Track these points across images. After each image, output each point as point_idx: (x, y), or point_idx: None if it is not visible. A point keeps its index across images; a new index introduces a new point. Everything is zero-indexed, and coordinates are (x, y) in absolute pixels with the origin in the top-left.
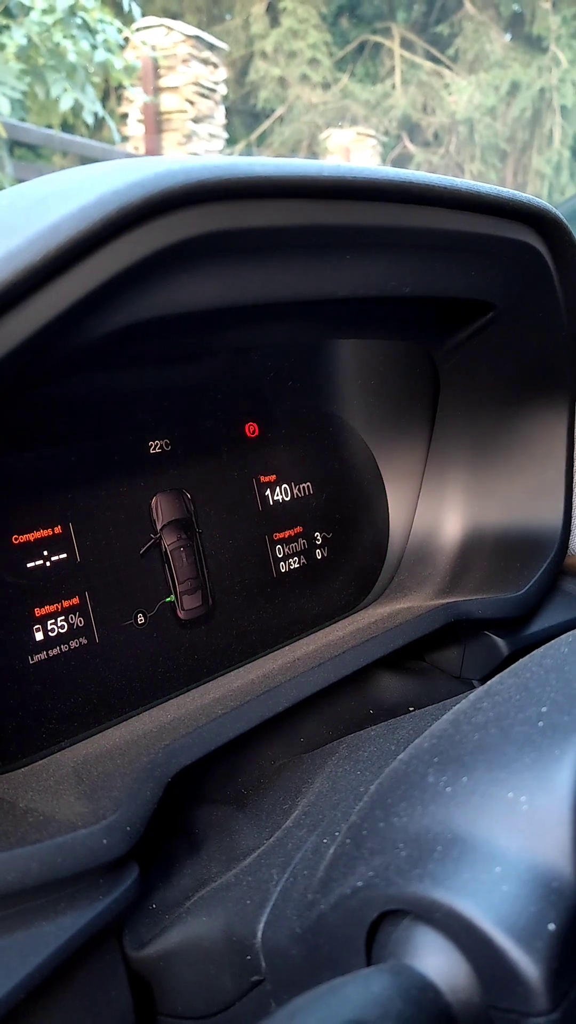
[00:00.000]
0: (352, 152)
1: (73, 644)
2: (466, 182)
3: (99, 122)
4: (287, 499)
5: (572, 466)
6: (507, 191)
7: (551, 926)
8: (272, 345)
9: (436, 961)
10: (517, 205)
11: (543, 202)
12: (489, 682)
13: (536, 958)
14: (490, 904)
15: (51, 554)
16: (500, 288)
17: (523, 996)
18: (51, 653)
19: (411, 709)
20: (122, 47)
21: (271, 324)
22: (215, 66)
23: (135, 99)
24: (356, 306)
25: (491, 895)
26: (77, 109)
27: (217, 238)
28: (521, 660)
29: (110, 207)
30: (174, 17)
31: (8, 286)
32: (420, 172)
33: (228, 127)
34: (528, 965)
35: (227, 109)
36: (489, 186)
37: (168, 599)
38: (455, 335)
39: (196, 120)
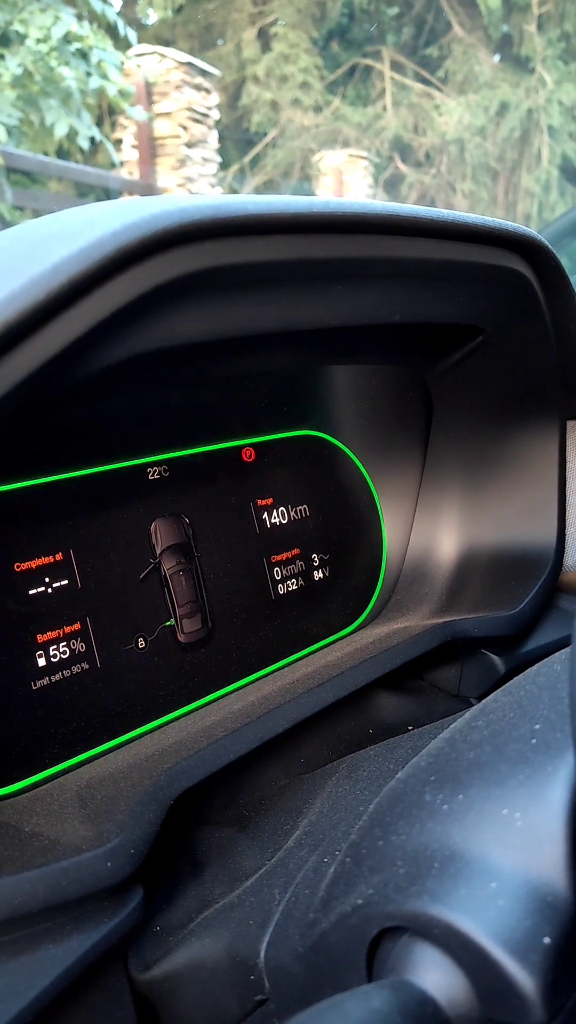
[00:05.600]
0: (344, 174)
1: (75, 669)
2: (452, 213)
3: (94, 148)
4: (284, 522)
5: (564, 484)
6: (492, 220)
7: (546, 939)
8: (267, 372)
9: (435, 976)
10: (503, 233)
11: (528, 229)
12: (484, 700)
13: (532, 971)
14: (486, 919)
15: (52, 581)
16: (489, 313)
17: (520, 1009)
18: (53, 678)
19: (410, 728)
20: (119, 68)
21: (265, 353)
22: (207, 91)
23: (129, 125)
24: (348, 334)
25: (487, 910)
26: (72, 135)
27: (211, 274)
28: (515, 678)
29: (108, 248)
30: (166, 44)
31: (12, 325)
32: (407, 204)
33: (221, 151)
34: (524, 978)
35: (220, 133)
36: (475, 216)
37: (168, 623)
38: (446, 358)
39: (189, 145)
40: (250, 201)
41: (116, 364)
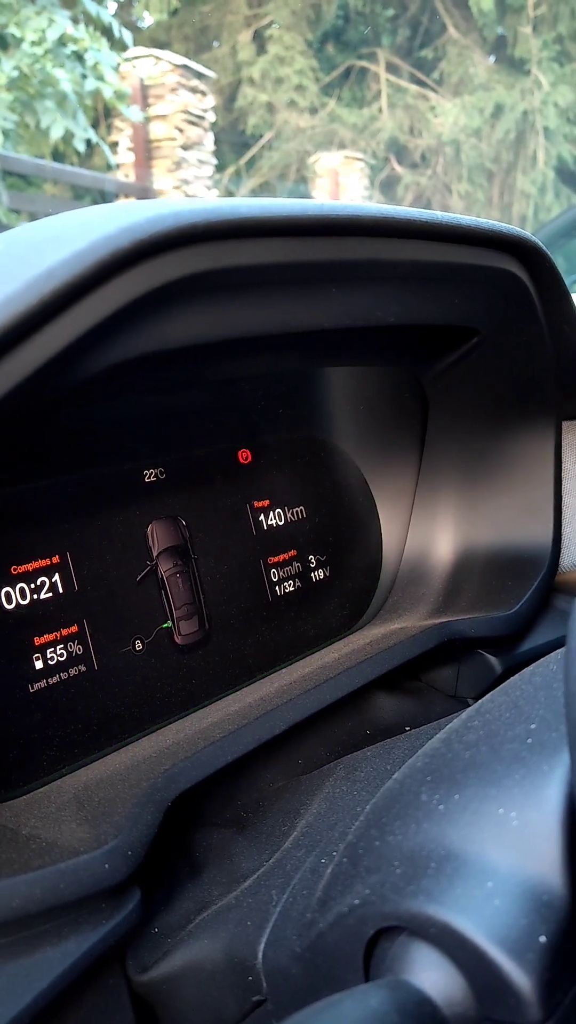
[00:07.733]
0: (340, 175)
1: (72, 672)
2: (446, 214)
3: (90, 150)
4: (281, 523)
5: (560, 485)
6: (486, 222)
7: (542, 938)
8: (263, 374)
9: (432, 976)
10: (496, 235)
11: (522, 230)
12: (480, 701)
13: (528, 970)
14: (483, 918)
15: (50, 583)
16: (484, 314)
17: (517, 1007)
18: (51, 681)
19: (407, 729)
20: (115, 68)
21: (260, 355)
22: (203, 94)
23: (124, 127)
24: (343, 336)
25: (484, 910)
26: (68, 138)
27: (206, 277)
28: (511, 679)
29: (102, 252)
30: (162, 47)
31: (6, 329)
32: (400, 207)
33: (217, 153)
34: (520, 977)
35: (216, 136)
36: (468, 217)
37: (165, 625)
38: (442, 360)
39: (185, 147)
40: (243, 204)
41: (112, 367)
